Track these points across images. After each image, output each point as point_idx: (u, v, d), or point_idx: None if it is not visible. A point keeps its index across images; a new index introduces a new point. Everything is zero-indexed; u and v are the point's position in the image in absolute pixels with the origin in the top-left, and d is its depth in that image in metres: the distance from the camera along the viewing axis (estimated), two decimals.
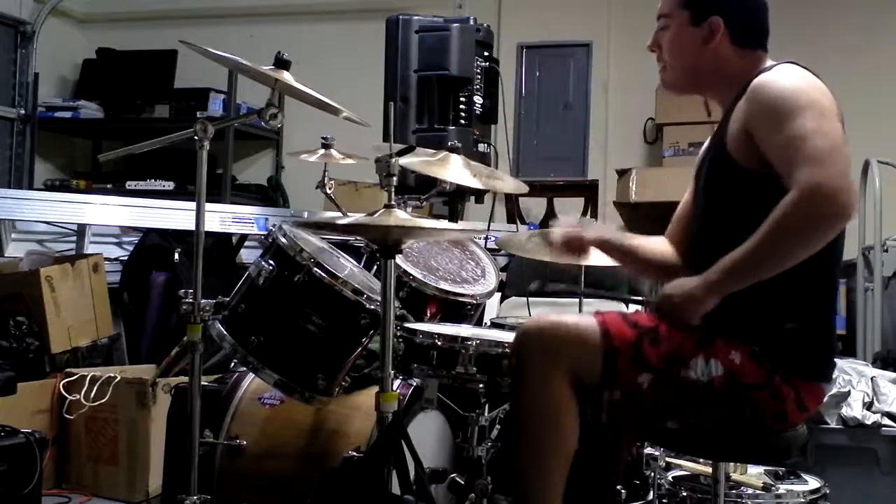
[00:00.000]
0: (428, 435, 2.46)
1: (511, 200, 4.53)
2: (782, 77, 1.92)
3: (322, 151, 3.02)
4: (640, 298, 2.90)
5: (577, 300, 3.14)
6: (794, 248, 1.77)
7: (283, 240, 2.42)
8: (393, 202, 2.11)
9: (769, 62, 2.04)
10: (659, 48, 2.12)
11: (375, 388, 2.11)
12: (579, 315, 1.99)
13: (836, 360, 2.05)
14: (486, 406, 2.25)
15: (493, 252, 3.30)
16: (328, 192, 3.05)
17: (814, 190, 1.71)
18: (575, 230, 2.25)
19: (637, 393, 1.92)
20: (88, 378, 3.47)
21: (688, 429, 1.97)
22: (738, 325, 1.93)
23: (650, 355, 1.92)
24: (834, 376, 3.26)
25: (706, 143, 2.18)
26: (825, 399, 3.19)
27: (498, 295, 3.62)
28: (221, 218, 4.33)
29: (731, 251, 1.82)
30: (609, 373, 1.92)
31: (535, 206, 5.15)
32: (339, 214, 3.05)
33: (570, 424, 1.93)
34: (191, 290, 2.36)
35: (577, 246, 2.25)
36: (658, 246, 2.26)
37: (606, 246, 2.24)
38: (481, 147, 3.71)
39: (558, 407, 1.92)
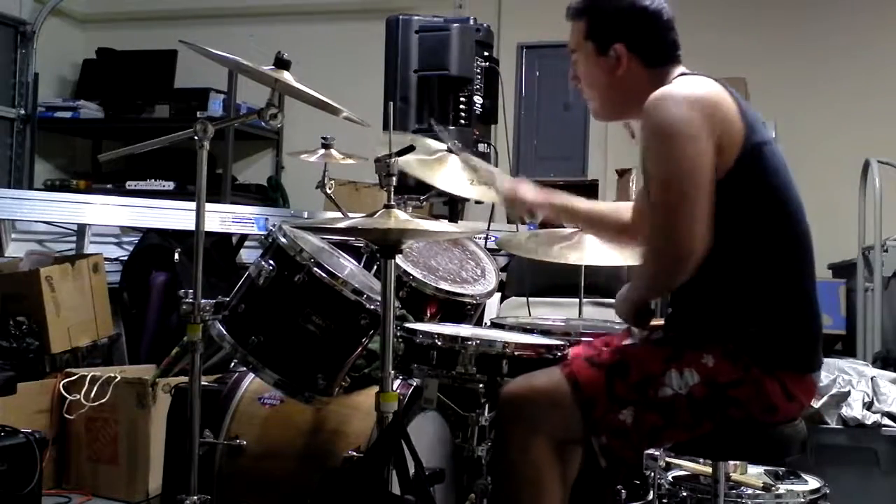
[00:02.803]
0: (428, 435, 2.46)
1: None
2: (662, 104, 1.90)
3: (322, 151, 3.02)
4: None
5: (577, 300, 3.14)
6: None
7: (283, 240, 2.41)
8: (393, 202, 2.11)
9: (677, 71, 2.03)
10: (579, 81, 2.14)
11: (375, 388, 2.11)
12: (549, 372, 2.01)
13: (821, 349, 2.02)
14: (486, 406, 2.25)
15: (493, 252, 3.29)
16: (328, 192, 3.05)
17: (657, 253, 1.90)
18: (519, 192, 2.34)
19: (624, 431, 1.92)
20: (88, 378, 3.47)
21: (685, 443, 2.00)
22: (709, 329, 1.96)
23: (623, 390, 1.93)
24: (833, 376, 3.29)
25: None
26: (825, 398, 3.23)
27: (498, 295, 3.62)
28: (221, 218, 4.32)
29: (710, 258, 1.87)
30: (590, 422, 1.93)
31: None
32: (339, 214, 3.05)
33: (553, 489, 1.96)
34: (191, 290, 2.36)
35: (522, 208, 2.36)
36: (612, 207, 2.39)
37: (552, 208, 2.34)
38: (481, 147, 3.71)
39: (539, 473, 1.94)
